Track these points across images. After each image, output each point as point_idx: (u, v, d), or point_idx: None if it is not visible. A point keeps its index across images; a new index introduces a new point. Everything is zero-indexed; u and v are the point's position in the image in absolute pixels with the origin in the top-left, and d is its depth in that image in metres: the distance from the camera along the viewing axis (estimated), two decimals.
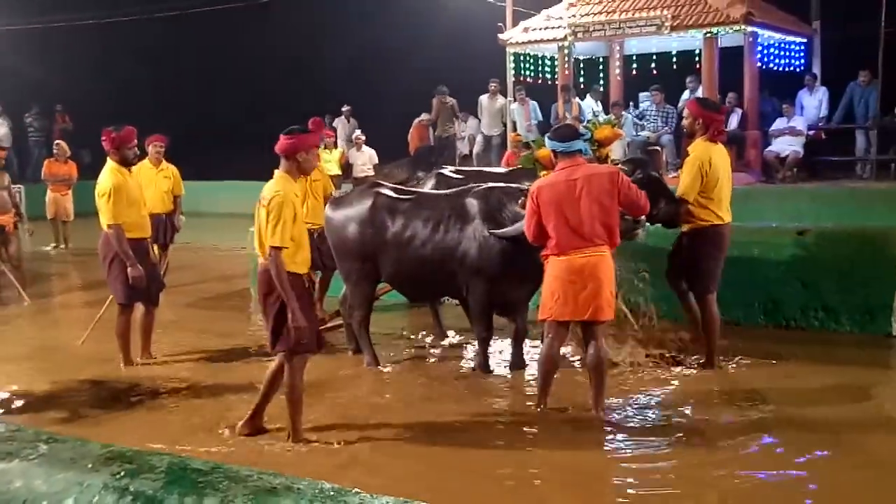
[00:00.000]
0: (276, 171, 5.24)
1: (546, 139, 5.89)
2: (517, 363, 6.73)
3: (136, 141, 7.19)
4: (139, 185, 7.40)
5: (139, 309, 7.24)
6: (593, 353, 5.58)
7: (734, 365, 6.67)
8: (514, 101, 16.29)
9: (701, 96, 10.48)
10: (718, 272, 6.51)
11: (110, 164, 7.05)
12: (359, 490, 2.22)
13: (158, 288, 7.42)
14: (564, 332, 5.77)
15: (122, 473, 2.28)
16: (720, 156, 6.43)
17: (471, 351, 7.23)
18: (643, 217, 5.86)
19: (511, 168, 9.55)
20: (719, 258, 6.47)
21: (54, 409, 6.21)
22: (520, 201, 6.18)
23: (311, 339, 5.17)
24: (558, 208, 5.47)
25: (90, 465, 2.34)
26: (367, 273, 6.91)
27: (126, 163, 7.11)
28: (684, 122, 6.76)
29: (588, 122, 9.47)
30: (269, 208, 5.01)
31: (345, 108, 17.71)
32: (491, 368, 6.70)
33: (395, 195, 6.92)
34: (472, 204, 6.51)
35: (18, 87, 22.37)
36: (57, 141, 15.59)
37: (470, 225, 6.45)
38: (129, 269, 6.86)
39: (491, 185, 6.74)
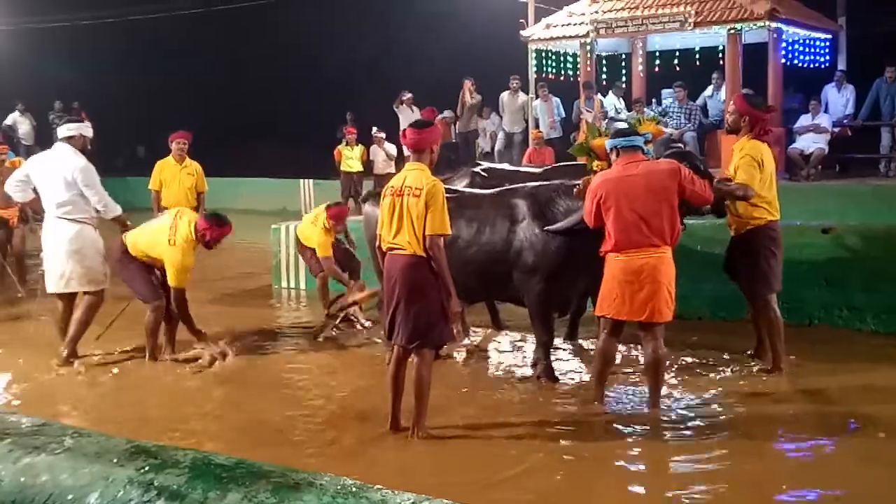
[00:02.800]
0: (409, 164, 5.26)
1: (606, 142, 5.86)
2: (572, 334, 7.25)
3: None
4: None
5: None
6: (651, 352, 5.61)
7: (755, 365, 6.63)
8: (537, 97, 16.25)
9: (748, 92, 10.07)
10: (779, 271, 6.33)
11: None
12: (381, 486, 2.22)
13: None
14: (620, 330, 5.78)
15: (147, 468, 2.30)
16: (768, 154, 6.24)
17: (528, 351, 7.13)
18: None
19: (544, 166, 9.51)
20: (778, 256, 6.30)
21: (76, 404, 6.28)
22: (575, 190, 6.13)
23: (449, 329, 5.27)
24: (617, 204, 5.48)
25: (115, 460, 2.36)
26: None
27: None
28: (728, 117, 6.47)
29: (631, 119, 9.40)
30: (426, 197, 4.99)
31: (406, 96, 17.08)
32: (556, 377, 6.44)
33: None
34: (521, 203, 6.39)
35: (42, 85, 22.61)
36: None
37: (520, 225, 6.33)
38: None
39: (537, 184, 6.66)
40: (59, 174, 7.07)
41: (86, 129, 7.38)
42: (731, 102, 6.67)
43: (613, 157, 5.72)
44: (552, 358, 6.58)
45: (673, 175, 5.48)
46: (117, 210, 7.37)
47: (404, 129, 5.35)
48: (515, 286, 6.40)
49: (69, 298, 7.30)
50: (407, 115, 16.43)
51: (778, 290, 6.37)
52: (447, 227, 5.05)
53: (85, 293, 7.15)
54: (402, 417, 5.35)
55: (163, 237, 6.98)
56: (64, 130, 7.25)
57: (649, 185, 5.46)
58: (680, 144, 14.51)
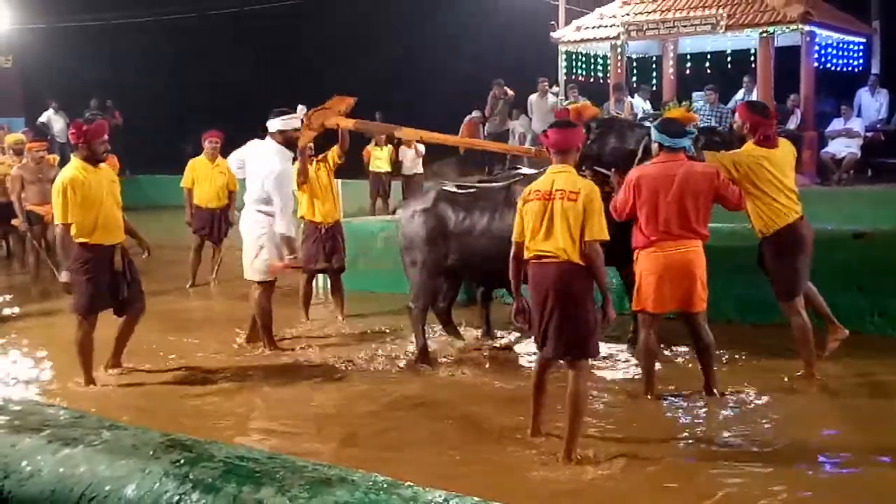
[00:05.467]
0: (554, 167, 4.99)
1: (653, 129, 5.99)
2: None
3: (107, 136, 6.66)
4: (108, 183, 6.63)
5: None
6: (699, 339, 5.85)
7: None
8: (567, 99, 16.22)
9: (751, 99, 10.32)
10: (803, 273, 6.30)
11: (74, 161, 6.56)
12: (411, 483, 2.24)
13: (130, 297, 6.70)
14: (657, 323, 5.94)
15: (182, 461, 2.33)
16: (773, 158, 6.21)
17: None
18: None
19: None
20: (801, 257, 6.26)
21: (112, 398, 6.37)
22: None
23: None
24: (654, 199, 5.67)
25: (151, 453, 2.40)
26: None
27: (95, 159, 6.56)
28: (735, 125, 6.69)
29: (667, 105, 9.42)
30: (585, 201, 4.78)
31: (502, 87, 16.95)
32: None
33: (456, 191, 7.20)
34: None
35: (76, 84, 22.89)
36: None
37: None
38: (61, 275, 6.58)
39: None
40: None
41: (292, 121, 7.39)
42: (736, 111, 6.89)
43: (655, 149, 5.90)
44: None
45: (710, 179, 5.74)
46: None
47: (546, 130, 5.17)
48: None
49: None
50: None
51: (799, 294, 6.33)
52: (606, 232, 4.87)
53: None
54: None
55: None
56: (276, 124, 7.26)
57: (686, 184, 5.68)
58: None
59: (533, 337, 5.20)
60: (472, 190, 7.14)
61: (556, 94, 16.36)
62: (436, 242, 7.07)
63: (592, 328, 4.92)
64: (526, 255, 4.98)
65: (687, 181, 5.67)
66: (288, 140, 7.27)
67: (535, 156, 6.94)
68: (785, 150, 6.34)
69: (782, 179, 6.22)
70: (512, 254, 5.09)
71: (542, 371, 5.18)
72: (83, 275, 6.46)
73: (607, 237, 4.89)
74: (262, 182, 7.17)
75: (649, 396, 5.94)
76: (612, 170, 6.36)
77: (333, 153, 8.41)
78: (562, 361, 5.07)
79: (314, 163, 8.40)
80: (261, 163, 7.26)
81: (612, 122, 7.67)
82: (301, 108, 7.39)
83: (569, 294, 4.85)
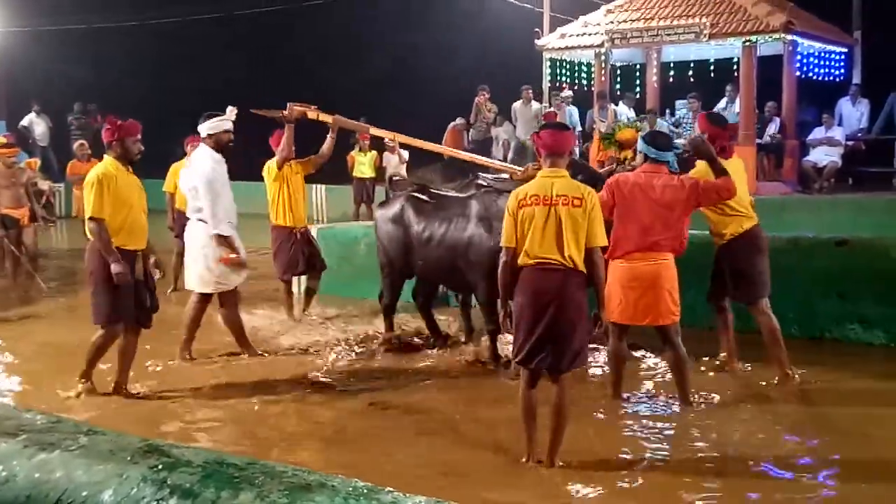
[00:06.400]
0: (547, 171, 4.89)
1: (640, 140, 6.09)
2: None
3: (140, 136, 6.35)
4: (137, 189, 6.37)
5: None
6: (670, 353, 5.88)
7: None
8: (550, 106, 16.27)
9: (710, 112, 10.62)
10: (767, 275, 6.42)
11: (106, 159, 6.28)
12: (392, 489, 2.23)
13: (149, 309, 6.42)
14: (626, 333, 5.98)
15: (160, 466, 2.31)
16: (729, 168, 6.26)
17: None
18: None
19: None
20: (761, 259, 6.38)
21: (88, 402, 6.31)
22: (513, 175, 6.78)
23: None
24: (627, 209, 5.67)
25: (129, 458, 2.37)
26: None
27: (129, 159, 6.28)
28: (689, 141, 7.00)
29: (617, 124, 9.67)
30: (589, 207, 4.73)
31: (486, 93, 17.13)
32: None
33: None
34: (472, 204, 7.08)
35: (59, 87, 22.73)
36: (80, 141, 15.78)
37: (470, 223, 6.98)
38: (112, 266, 5.99)
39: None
40: None
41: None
42: (696, 122, 7.05)
43: (640, 160, 5.99)
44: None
45: (689, 193, 5.75)
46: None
47: (538, 132, 5.11)
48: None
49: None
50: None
51: (764, 295, 6.44)
52: (606, 238, 4.89)
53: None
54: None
55: None
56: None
57: (663, 197, 5.69)
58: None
59: (516, 347, 4.88)
60: (435, 198, 7.45)
61: (568, 100, 16.28)
62: (401, 247, 7.48)
63: (587, 339, 4.94)
64: (523, 261, 4.79)
65: (663, 193, 5.70)
66: (218, 143, 7.17)
67: (515, 177, 6.97)
68: (737, 164, 6.53)
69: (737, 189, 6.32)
70: (503, 260, 4.90)
71: (531, 386, 4.91)
72: (104, 281, 6.11)
73: (607, 243, 4.90)
74: (196, 188, 7.14)
75: (616, 400, 6.01)
76: None
77: (311, 162, 8.58)
78: (546, 371, 4.88)
79: (291, 164, 8.45)
80: (194, 169, 7.25)
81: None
82: (230, 109, 7.32)
83: (574, 304, 4.75)
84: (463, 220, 7.08)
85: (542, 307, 4.71)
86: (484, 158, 8.57)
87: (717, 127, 6.49)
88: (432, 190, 7.67)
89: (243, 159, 8.60)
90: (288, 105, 8.07)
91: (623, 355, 6.08)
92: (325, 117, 8.12)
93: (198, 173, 7.15)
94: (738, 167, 6.50)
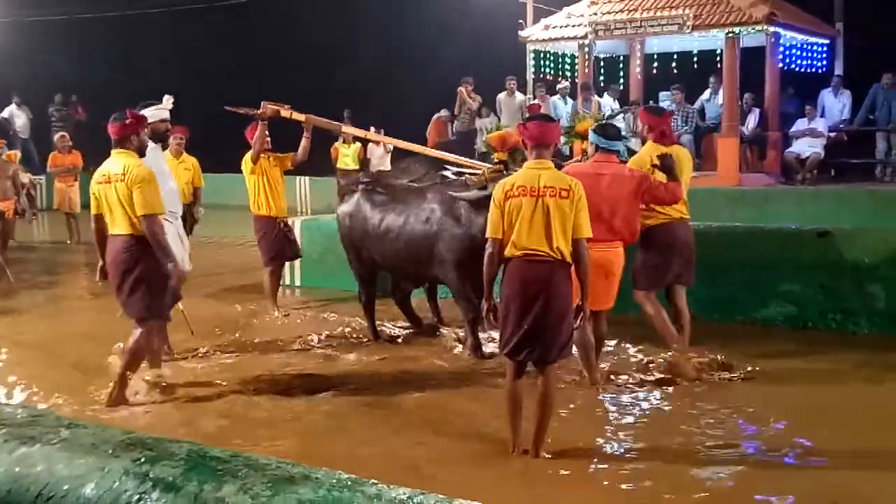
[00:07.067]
0: (533, 162, 4.88)
1: (591, 131, 6.31)
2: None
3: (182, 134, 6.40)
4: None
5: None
6: (596, 330, 6.08)
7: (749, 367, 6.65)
8: (535, 98, 16.27)
9: (650, 104, 11.34)
10: (662, 271, 6.44)
11: (131, 153, 6.01)
12: (376, 481, 2.23)
13: (174, 300, 6.41)
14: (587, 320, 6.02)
15: (143, 459, 2.30)
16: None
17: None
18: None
19: None
20: (667, 256, 6.43)
21: (71, 396, 6.27)
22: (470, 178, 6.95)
23: None
24: None
25: (111, 451, 2.36)
26: None
27: (142, 152, 6.17)
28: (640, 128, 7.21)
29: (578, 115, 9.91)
30: (576, 198, 4.74)
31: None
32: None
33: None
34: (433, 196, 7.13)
35: (40, 78, 22.54)
36: (61, 133, 15.66)
37: (433, 215, 7.02)
38: (168, 265, 5.89)
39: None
40: None
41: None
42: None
43: (591, 150, 6.19)
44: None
45: (638, 183, 5.94)
46: None
47: (525, 123, 5.10)
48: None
49: None
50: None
51: (644, 289, 6.47)
52: (590, 229, 4.85)
53: None
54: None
55: None
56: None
57: (613, 186, 5.86)
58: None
59: (503, 340, 4.87)
60: (389, 191, 7.50)
61: (565, 91, 16.21)
62: (360, 241, 7.56)
63: (572, 331, 4.93)
64: (510, 252, 4.77)
65: (613, 182, 5.85)
66: (154, 132, 6.81)
67: (474, 181, 6.97)
68: (679, 154, 6.59)
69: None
70: (488, 252, 4.86)
71: (517, 378, 4.90)
72: (154, 277, 5.96)
73: (591, 234, 4.91)
74: None
75: (593, 385, 6.08)
76: None
77: (289, 158, 8.77)
78: (532, 363, 4.91)
79: (269, 157, 8.62)
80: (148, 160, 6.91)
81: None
82: (167, 98, 7.21)
83: (563, 296, 4.76)
84: (421, 211, 7.09)
85: (529, 299, 4.71)
86: (454, 156, 8.55)
87: (654, 116, 6.74)
88: (387, 182, 7.75)
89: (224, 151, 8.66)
90: (262, 103, 8.22)
91: (590, 341, 6.06)
92: (298, 116, 8.27)
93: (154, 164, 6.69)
94: (683, 158, 6.60)
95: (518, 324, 4.74)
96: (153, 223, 5.87)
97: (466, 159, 8.33)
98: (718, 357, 6.55)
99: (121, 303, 6.09)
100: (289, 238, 8.86)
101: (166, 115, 7.07)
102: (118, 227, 5.96)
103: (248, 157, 8.62)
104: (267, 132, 8.49)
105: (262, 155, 8.51)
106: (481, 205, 6.33)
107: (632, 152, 7.30)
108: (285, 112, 8.21)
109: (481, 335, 7.08)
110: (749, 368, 6.43)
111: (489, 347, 6.95)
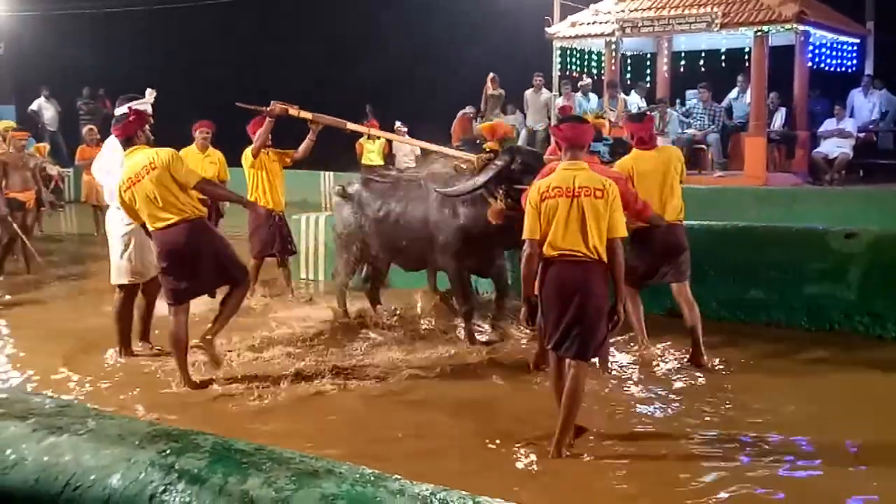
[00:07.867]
0: (568, 163, 4.92)
1: None
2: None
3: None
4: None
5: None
6: None
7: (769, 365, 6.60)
8: (560, 95, 16.22)
9: (631, 113, 11.62)
10: (642, 271, 6.51)
11: (143, 147, 6.17)
12: (399, 476, 2.24)
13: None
14: None
15: (168, 451, 2.32)
16: (646, 161, 6.50)
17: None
18: None
19: None
20: (645, 258, 6.50)
21: (95, 387, 6.33)
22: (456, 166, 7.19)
23: None
24: None
25: (137, 442, 2.38)
26: None
27: (150, 143, 6.29)
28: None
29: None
30: (611, 198, 4.78)
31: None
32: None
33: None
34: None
35: (68, 72, 22.72)
36: (89, 126, 15.79)
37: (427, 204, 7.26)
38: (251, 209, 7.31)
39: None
40: None
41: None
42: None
43: None
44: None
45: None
46: None
47: (558, 125, 5.17)
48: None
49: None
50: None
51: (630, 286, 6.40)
52: (625, 228, 4.92)
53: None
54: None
55: None
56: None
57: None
58: (703, 146, 14.52)
59: (547, 336, 4.96)
60: (387, 181, 7.82)
61: (587, 88, 16.21)
62: (357, 229, 7.84)
63: (606, 328, 4.93)
64: (546, 253, 4.83)
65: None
66: None
67: (462, 168, 7.23)
68: (665, 155, 6.65)
69: (654, 182, 6.45)
70: (527, 252, 4.92)
71: (559, 376, 5.00)
72: (227, 244, 6.42)
73: (626, 233, 4.95)
74: (112, 173, 6.75)
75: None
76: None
77: (289, 154, 9.05)
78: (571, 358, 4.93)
79: (269, 152, 8.92)
80: (109, 154, 6.99)
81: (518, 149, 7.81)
82: (150, 92, 7.22)
83: (598, 294, 4.81)
84: (420, 201, 7.32)
85: (567, 299, 4.80)
86: (452, 151, 8.67)
87: (634, 122, 6.89)
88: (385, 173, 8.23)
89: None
90: (271, 102, 8.48)
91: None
92: (306, 114, 8.42)
93: (114, 159, 6.79)
94: (672, 158, 6.65)
95: (557, 322, 4.85)
96: (205, 184, 6.29)
97: (458, 152, 8.45)
98: (716, 360, 6.61)
99: (201, 292, 6.32)
100: (282, 232, 9.06)
101: (149, 108, 7.00)
102: (163, 217, 5.99)
103: (248, 151, 8.90)
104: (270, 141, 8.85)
105: (262, 150, 8.81)
106: (469, 197, 6.80)
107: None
108: (293, 111, 8.41)
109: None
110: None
111: (483, 337, 7.29)
